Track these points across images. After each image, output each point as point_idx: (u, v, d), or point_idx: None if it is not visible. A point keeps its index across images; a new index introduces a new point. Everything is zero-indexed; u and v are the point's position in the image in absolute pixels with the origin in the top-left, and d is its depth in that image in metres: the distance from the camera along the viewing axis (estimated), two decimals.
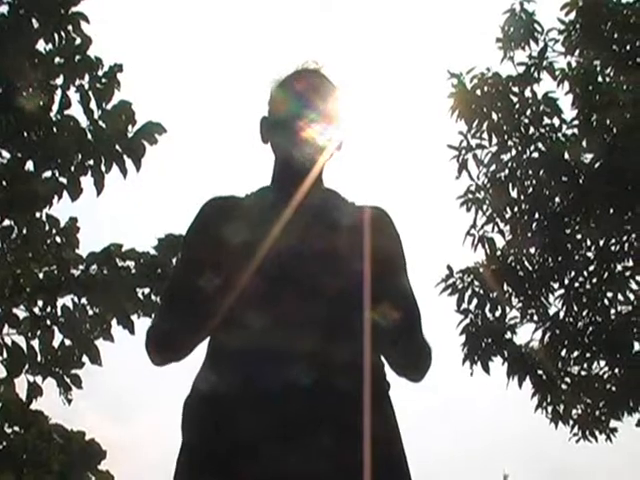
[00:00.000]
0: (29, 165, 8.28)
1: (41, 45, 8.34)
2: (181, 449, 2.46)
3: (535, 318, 11.31)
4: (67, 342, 8.61)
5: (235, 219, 2.57)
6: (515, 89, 11.57)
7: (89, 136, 8.33)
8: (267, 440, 2.28)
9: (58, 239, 8.64)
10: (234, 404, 2.36)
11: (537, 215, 11.27)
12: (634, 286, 11.02)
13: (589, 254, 11.23)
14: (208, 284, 2.47)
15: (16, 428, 8.70)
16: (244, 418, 2.33)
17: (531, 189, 11.37)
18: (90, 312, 8.60)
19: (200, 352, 2.57)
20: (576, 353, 11.13)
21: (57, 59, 8.37)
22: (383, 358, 2.54)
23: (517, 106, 11.51)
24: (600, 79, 11.20)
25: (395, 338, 2.51)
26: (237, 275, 2.42)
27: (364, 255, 2.46)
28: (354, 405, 2.32)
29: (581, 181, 11.00)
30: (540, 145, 11.37)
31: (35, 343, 8.56)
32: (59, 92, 8.36)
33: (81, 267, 8.60)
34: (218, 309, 2.43)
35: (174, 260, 8.49)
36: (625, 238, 11.09)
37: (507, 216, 11.48)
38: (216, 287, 2.46)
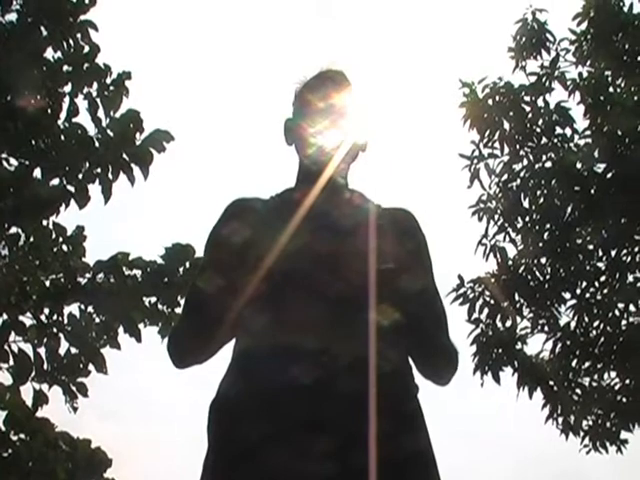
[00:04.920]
0: (37, 173, 8.30)
1: (49, 53, 8.39)
2: (207, 451, 2.45)
3: (546, 328, 11.25)
4: (73, 350, 8.62)
5: (254, 221, 2.58)
6: (527, 99, 11.56)
7: (97, 144, 8.35)
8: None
9: (65, 247, 8.65)
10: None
11: (549, 225, 11.23)
12: None
13: (600, 264, 11.18)
14: (221, 287, 2.49)
15: (22, 435, 8.71)
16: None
17: (543, 199, 11.35)
18: (97, 320, 8.61)
19: (223, 357, 2.59)
20: (587, 364, 11.07)
21: (65, 67, 8.40)
22: (411, 361, 2.53)
23: (529, 116, 11.50)
24: (611, 89, 11.17)
25: (418, 339, 2.51)
26: (246, 277, 2.43)
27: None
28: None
29: (593, 191, 10.96)
30: (552, 155, 11.35)
31: (41, 351, 8.58)
32: (67, 100, 8.39)
33: (88, 275, 8.60)
34: (227, 312, 2.45)
35: (180, 269, 8.51)
36: (637, 248, 11.04)
37: (519, 226, 11.44)
38: (227, 290, 2.46)
